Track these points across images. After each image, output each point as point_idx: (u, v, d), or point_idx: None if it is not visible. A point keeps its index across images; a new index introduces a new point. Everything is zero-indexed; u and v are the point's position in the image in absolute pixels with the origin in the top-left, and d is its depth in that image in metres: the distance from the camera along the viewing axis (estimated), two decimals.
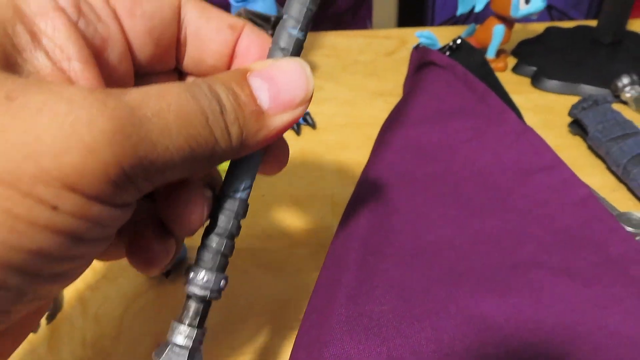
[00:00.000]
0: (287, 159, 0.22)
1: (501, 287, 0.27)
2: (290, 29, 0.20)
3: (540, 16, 1.19)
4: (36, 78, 0.16)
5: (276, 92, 0.17)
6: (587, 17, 1.14)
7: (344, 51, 0.64)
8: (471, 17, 1.07)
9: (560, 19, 1.13)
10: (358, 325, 0.25)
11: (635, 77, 0.50)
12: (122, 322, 0.32)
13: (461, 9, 0.52)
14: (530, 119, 0.50)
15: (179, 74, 0.22)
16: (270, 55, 0.20)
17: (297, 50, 0.20)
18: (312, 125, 0.50)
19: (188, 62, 0.21)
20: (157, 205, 0.19)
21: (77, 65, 0.16)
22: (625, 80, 0.50)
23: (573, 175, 0.34)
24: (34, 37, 0.16)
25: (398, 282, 0.28)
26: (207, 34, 0.20)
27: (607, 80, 0.52)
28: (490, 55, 0.57)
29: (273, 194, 0.42)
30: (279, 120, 0.18)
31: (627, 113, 0.50)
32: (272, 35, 0.21)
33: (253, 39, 0.21)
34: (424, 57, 0.46)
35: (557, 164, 0.35)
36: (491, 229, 0.32)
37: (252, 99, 0.17)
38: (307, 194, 0.42)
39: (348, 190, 0.39)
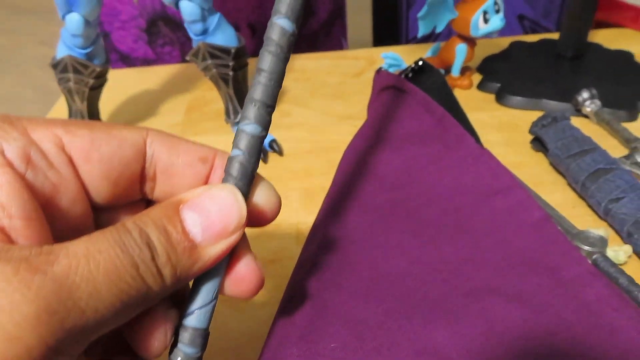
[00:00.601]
0: (258, 282, 0.21)
1: (454, 317, 0.28)
2: (237, 161, 0.20)
3: (511, 26, 1.20)
4: None
5: (209, 224, 0.18)
6: (558, 27, 1.16)
7: (313, 73, 0.65)
8: (443, 34, 1.09)
9: (532, 29, 1.15)
10: None
11: (594, 92, 0.50)
12: None
13: (422, 30, 0.53)
14: (493, 136, 0.51)
15: (147, 202, 0.22)
16: (224, 180, 0.20)
17: (247, 179, 0.20)
18: (279, 152, 0.50)
19: (159, 194, 0.21)
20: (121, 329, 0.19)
21: (18, 222, 0.16)
22: (585, 94, 0.51)
23: (529, 198, 0.35)
24: None
25: (352, 316, 0.28)
26: (178, 170, 0.20)
27: (570, 95, 0.52)
28: (454, 73, 0.58)
29: None
30: (213, 250, 0.18)
31: (589, 127, 0.51)
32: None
33: None
34: (385, 81, 0.47)
35: (513, 186, 0.36)
36: (449, 255, 0.32)
37: (184, 235, 0.17)
38: (272, 224, 0.42)
39: (313, 219, 0.39)
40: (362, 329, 0.27)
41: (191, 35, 0.45)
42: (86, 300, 0.14)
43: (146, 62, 0.88)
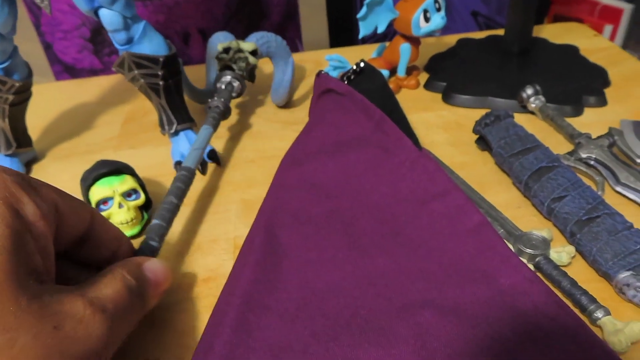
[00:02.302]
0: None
1: (386, 336, 0.26)
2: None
3: (466, 23, 1.20)
4: None
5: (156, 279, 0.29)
6: None
7: (259, 79, 0.63)
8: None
9: (487, 25, 1.15)
10: None
11: (538, 88, 0.50)
12: None
13: (363, 32, 0.52)
14: (440, 136, 0.50)
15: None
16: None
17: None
18: (218, 163, 0.48)
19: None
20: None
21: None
22: (529, 91, 0.50)
23: (467, 201, 0.34)
24: None
25: (277, 340, 0.26)
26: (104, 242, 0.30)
27: (516, 92, 0.52)
28: (400, 73, 0.57)
29: (170, 241, 0.39)
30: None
31: (536, 123, 0.50)
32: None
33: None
34: (324, 84, 0.45)
35: (450, 189, 0.34)
36: (384, 267, 0.31)
37: (148, 282, 0.29)
38: (208, 238, 0.40)
39: None
40: (286, 356, 0.25)
41: (116, 45, 0.42)
42: None
43: (93, 72, 0.84)
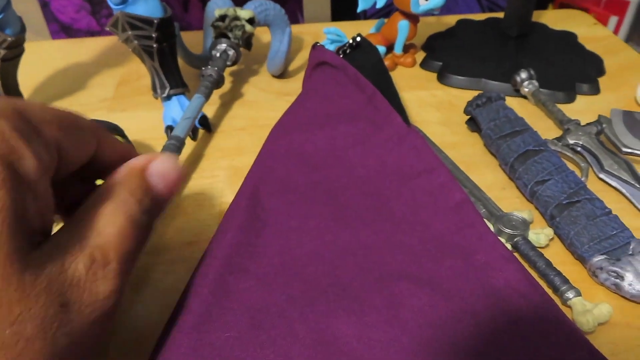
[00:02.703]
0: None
1: (359, 306, 0.27)
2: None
3: (469, 5, 1.19)
4: None
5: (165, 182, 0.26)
6: None
7: (256, 47, 0.62)
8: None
9: (490, 8, 1.14)
10: (198, 355, 0.24)
11: (532, 72, 0.50)
12: None
13: (362, 6, 0.51)
14: (432, 115, 0.50)
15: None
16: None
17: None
18: (208, 129, 0.48)
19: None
20: None
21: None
22: (523, 75, 0.50)
23: (450, 179, 0.34)
24: None
25: (254, 303, 0.27)
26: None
27: (511, 75, 0.52)
28: (397, 51, 0.56)
29: None
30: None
31: (528, 108, 0.50)
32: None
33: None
34: (320, 56, 0.45)
35: (435, 166, 0.35)
36: (365, 239, 0.31)
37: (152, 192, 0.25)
38: (194, 203, 0.40)
39: None
40: (263, 317, 0.26)
41: (110, 3, 0.42)
42: None
43: (90, 33, 0.83)
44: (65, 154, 0.22)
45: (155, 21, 0.43)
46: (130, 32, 0.42)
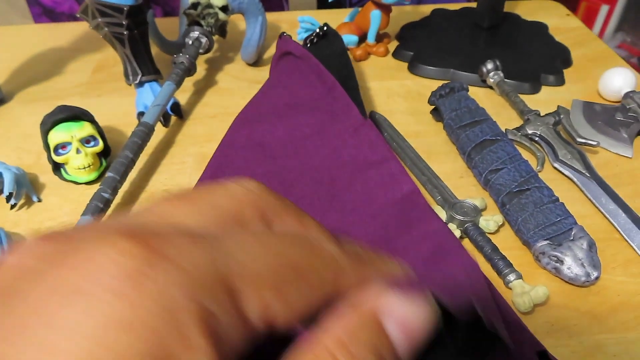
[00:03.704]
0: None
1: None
2: None
3: None
4: None
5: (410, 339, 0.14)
6: None
7: (232, 35, 0.63)
8: None
9: None
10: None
11: (498, 63, 0.51)
12: None
13: None
14: (399, 104, 0.51)
15: None
16: None
17: None
18: (180, 116, 0.49)
19: None
20: None
21: None
22: (489, 65, 0.51)
23: (401, 170, 0.35)
24: None
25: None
26: None
27: (479, 66, 0.53)
28: (370, 40, 0.57)
29: (124, 188, 0.41)
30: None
31: (493, 98, 0.52)
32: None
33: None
34: (285, 46, 0.46)
35: (388, 158, 0.36)
36: None
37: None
38: (162, 188, 0.41)
39: None
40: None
41: None
42: None
43: (73, 17, 0.83)
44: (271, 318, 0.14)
45: (125, 8, 0.43)
46: (100, 19, 0.43)
